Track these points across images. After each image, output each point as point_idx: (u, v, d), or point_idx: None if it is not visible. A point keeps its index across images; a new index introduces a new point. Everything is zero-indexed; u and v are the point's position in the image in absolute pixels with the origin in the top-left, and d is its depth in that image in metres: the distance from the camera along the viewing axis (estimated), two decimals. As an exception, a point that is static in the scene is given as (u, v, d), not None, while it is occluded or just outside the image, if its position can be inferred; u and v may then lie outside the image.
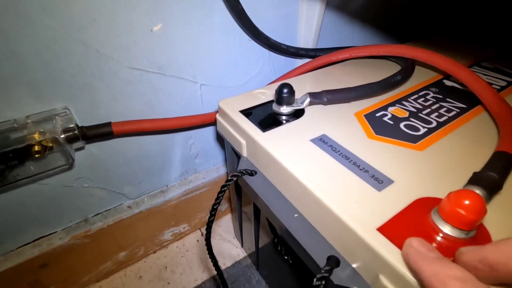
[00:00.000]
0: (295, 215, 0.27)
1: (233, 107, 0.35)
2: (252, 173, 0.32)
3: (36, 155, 0.32)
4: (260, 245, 0.47)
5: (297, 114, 0.34)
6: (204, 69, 0.43)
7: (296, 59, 0.53)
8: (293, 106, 0.33)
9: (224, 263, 0.54)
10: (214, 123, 0.46)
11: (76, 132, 0.33)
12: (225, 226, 0.60)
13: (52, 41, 0.31)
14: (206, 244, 0.34)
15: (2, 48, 0.29)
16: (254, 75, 0.50)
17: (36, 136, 0.32)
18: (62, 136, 0.33)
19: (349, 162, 0.27)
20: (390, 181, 0.24)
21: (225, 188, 0.31)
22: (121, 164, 0.44)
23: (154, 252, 0.55)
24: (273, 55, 0.49)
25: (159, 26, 0.36)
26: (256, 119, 0.33)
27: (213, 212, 0.32)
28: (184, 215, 0.55)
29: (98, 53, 0.34)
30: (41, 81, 0.32)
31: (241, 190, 0.44)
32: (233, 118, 0.34)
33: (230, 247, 0.56)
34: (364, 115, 0.33)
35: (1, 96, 0.31)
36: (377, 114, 0.33)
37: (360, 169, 0.26)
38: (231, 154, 0.39)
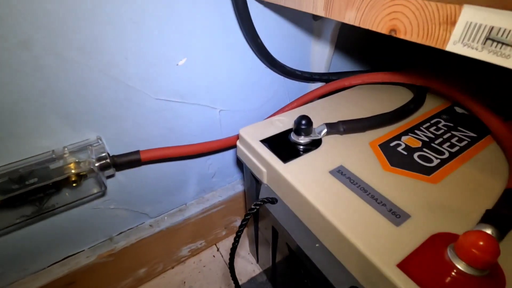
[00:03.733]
0: (317, 245, 0.29)
1: (253, 136, 0.37)
2: (273, 201, 0.34)
3: (73, 185, 0.34)
4: (276, 263, 0.48)
5: (315, 143, 0.36)
6: (223, 96, 0.46)
7: (308, 84, 0.55)
8: (311, 137, 0.35)
9: (240, 279, 0.55)
10: (233, 146, 0.48)
11: (108, 160, 0.36)
12: (241, 241, 0.62)
13: (86, 78, 0.33)
14: (230, 268, 0.36)
15: (41, 84, 0.31)
16: (269, 98, 0.52)
17: (72, 166, 0.35)
18: (97, 165, 0.35)
19: (367, 195, 0.28)
20: (407, 216, 0.26)
21: (249, 217, 0.33)
22: (143, 186, 0.46)
23: (172, 268, 0.57)
24: (288, 80, 0.51)
25: (183, 61, 0.38)
26: (276, 149, 0.35)
27: (237, 239, 0.34)
28: (200, 232, 0.57)
29: (128, 87, 0.36)
30: (76, 114, 0.35)
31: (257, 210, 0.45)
32: (254, 147, 0.36)
33: (245, 263, 0.58)
34: (379, 145, 0.35)
35: (39, 128, 0.33)
36: (391, 144, 0.35)
37: (378, 203, 0.27)
38: (250, 178, 0.41)
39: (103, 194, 0.41)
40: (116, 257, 0.47)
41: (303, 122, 0.35)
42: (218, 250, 0.61)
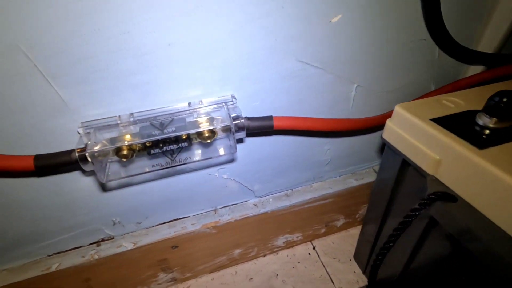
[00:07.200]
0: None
1: (420, 114, 0.29)
2: (453, 198, 0.25)
3: (208, 141, 0.32)
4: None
5: (515, 132, 0.26)
6: (364, 69, 0.39)
7: (462, 69, 0.44)
8: (513, 121, 0.26)
9: (340, 287, 0.48)
10: (369, 129, 0.41)
11: (243, 121, 0.32)
12: (339, 243, 0.55)
13: (238, 26, 0.30)
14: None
15: (199, 30, 0.29)
16: (410, 81, 0.43)
17: (207, 121, 0.32)
18: (234, 123, 0.32)
19: None
20: None
21: (411, 219, 0.25)
22: (257, 161, 0.42)
23: (264, 256, 0.53)
24: (442, 59, 0.42)
25: (338, 17, 0.33)
26: (458, 132, 0.26)
27: (384, 251, 0.27)
28: (300, 224, 0.51)
29: (275, 41, 0.32)
30: (216, 66, 0.32)
31: (391, 206, 0.37)
32: (423, 127, 0.28)
33: (346, 271, 0.50)
34: None
35: (184, 76, 0.31)
36: None
37: None
38: (395, 168, 0.33)
39: (232, 158, 0.38)
40: (219, 230, 0.45)
41: (506, 99, 0.25)
42: (314, 248, 0.54)
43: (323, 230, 0.54)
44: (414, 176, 0.31)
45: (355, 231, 0.57)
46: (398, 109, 0.31)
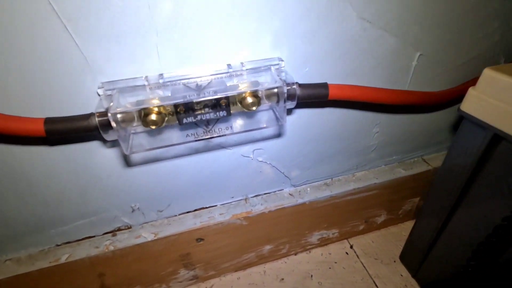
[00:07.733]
0: None
1: (524, 76, 0.23)
2: None
3: (252, 108, 0.26)
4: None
5: None
6: (431, 35, 0.33)
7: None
8: None
9: (386, 292, 0.42)
10: (431, 107, 0.35)
11: (294, 87, 0.27)
12: (380, 242, 0.48)
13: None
14: None
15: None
16: (478, 54, 0.37)
17: (250, 86, 0.27)
18: (285, 88, 0.26)
19: None
20: None
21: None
22: (299, 144, 0.37)
23: (295, 254, 0.47)
24: (518, 26, 0.36)
25: (412, -38, 0.27)
26: None
27: (486, 247, 0.21)
28: (339, 218, 0.45)
29: (334, -8, 0.27)
30: (267, 20, 0.27)
31: (465, 194, 0.31)
32: (534, 90, 0.22)
33: (391, 273, 0.44)
34: None
35: (225, 32, 0.26)
36: None
37: None
38: (480, 146, 0.27)
39: (278, 132, 0.33)
40: (250, 222, 0.39)
41: None
42: (351, 247, 0.48)
43: (361, 227, 0.48)
44: (510, 153, 0.25)
45: (396, 229, 0.51)
46: (489, 73, 0.25)
